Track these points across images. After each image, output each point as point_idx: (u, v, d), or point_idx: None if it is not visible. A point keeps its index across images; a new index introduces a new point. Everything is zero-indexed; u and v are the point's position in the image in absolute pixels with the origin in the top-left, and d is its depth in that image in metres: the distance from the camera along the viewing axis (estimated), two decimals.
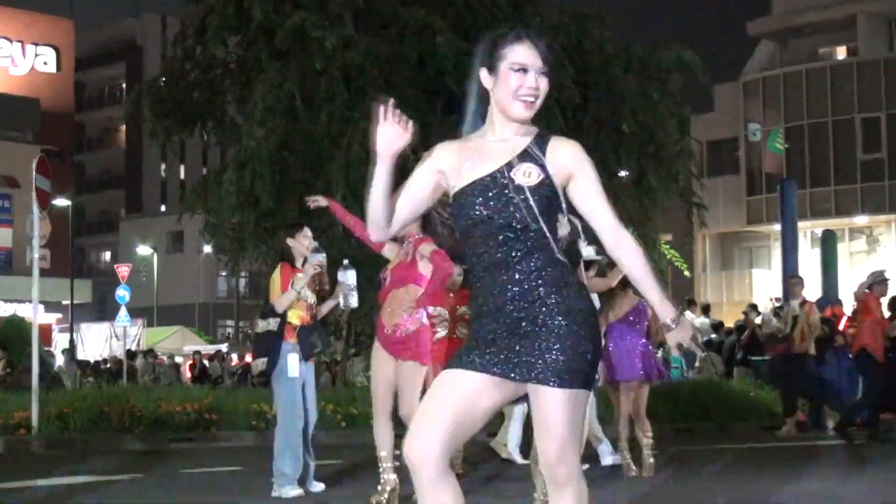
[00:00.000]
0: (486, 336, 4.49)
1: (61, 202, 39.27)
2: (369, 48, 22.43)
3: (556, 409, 4.41)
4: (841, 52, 51.63)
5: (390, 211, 4.62)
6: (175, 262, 71.09)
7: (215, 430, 17.15)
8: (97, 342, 45.92)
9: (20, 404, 18.59)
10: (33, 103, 54.19)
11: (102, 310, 65.97)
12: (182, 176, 75.29)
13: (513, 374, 4.43)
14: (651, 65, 24.68)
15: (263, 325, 10.41)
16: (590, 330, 4.50)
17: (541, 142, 4.57)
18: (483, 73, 4.65)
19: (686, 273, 31.81)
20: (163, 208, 79.19)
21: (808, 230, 46.26)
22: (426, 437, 4.39)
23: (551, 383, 4.39)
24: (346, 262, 10.31)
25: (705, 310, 28.72)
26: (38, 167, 18.01)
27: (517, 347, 4.43)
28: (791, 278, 20.70)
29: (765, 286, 47.72)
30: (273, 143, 22.42)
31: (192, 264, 68.26)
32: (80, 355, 39.79)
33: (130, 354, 38.02)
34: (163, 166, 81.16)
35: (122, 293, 39.60)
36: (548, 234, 4.48)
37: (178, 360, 42.67)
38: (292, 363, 10.14)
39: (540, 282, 4.45)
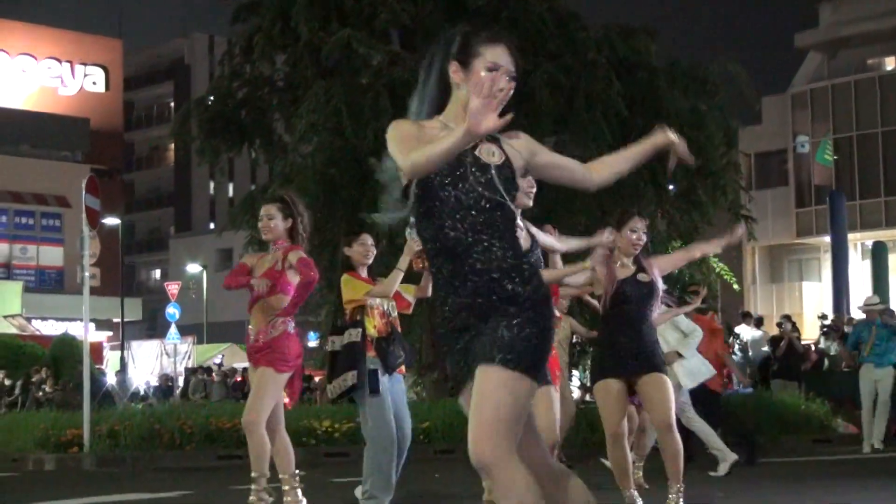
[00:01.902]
0: (461, 324, 4.55)
1: (111, 221, 39.54)
2: (414, 64, 22.49)
3: (493, 384, 4.39)
4: (890, 63, 51.23)
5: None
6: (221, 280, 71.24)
7: None
8: (148, 360, 46.12)
9: (72, 422, 18.72)
10: (83, 123, 54.61)
11: (153, 327, 66.27)
12: (231, 193, 75.57)
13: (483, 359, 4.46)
14: (698, 78, 24.62)
15: (342, 340, 9.53)
16: (538, 316, 4.50)
17: (497, 134, 4.66)
18: (453, 67, 4.71)
19: (735, 286, 31.63)
20: (211, 226, 79.44)
21: (858, 242, 45.96)
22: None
23: (496, 360, 4.39)
24: (412, 220, 9.37)
25: (758, 322, 28.51)
26: (88, 186, 18.14)
27: (473, 337, 4.51)
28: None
29: (815, 299, 47.42)
30: (320, 160, 22.51)
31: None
32: (131, 372, 39.99)
33: (190, 371, 38.14)
34: (211, 184, 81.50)
35: (172, 311, 39.80)
36: (514, 210, 4.60)
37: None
38: (377, 378, 9.43)
39: (497, 272, 4.48)
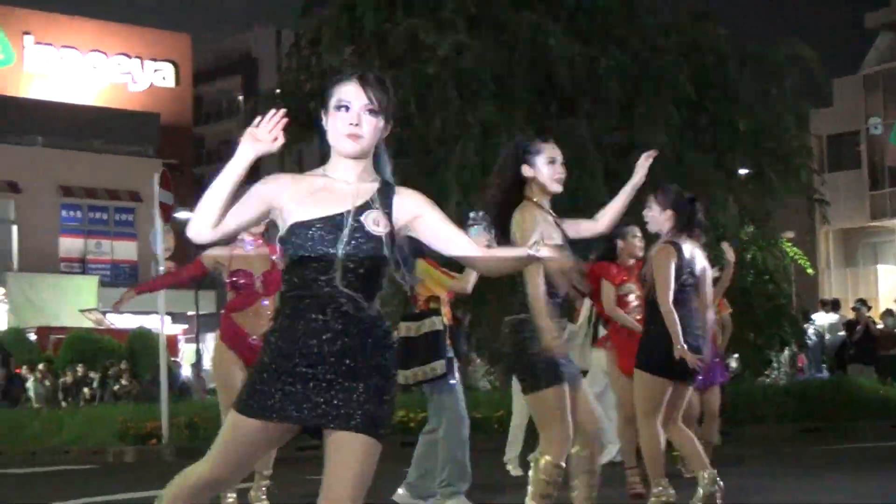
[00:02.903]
0: (300, 379, 4.39)
1: (183, 215, 39.82)
2: (482, 53, 22.48)
3: (361, 455, 4.40)
4: None
5: (223, 215, 4.51)
6: None
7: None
8: None
9: (150, 415, 18.95)
10: (153, 118, 55.04)
11: None
12: None
13: (332, 424, 4.37)
14: (767, 61, 24.42)
15: (421, 327, 9.51)
16: (394, 384, 4.51)
17: (387, 191, 4.60)
18: (323, 118, 4.66)
19: (809, 271, 31.43)
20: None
21: None
22: None
23: (367, 432, 4.37)
24: (472, 214, 9.44)
25: (834, 306, 28.32)
26: (161, 181, 18.35)
27: (333, 395, 4.37)
28: None
29: (890, 282, 46.94)
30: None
31: None
32: (206, 365, 40.27)
33: None
34: None
35: None
36: (395, 278, 4.54)
37: None
38: (454, 367, 9.50)
39: (371, 338, 4.42)
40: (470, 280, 9.33)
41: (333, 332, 4.36)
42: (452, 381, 9.50)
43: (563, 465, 6.69)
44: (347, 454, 4.37)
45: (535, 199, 6.80)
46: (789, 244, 27.38)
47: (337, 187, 4.49)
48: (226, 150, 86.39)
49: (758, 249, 24.24)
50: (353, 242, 4.37)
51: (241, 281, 9.00)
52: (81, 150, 50.77)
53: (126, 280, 50.21)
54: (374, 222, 4.43)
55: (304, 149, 30.70)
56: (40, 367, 29.75)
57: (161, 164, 40.10)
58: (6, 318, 41.41)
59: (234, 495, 8.97)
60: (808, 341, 26.66)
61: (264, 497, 9.05)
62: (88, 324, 38.81)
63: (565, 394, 6.64)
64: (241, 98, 73.93)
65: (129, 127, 53.40)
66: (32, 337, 35.38)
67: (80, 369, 30.09)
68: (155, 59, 58.24)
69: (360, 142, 4.51)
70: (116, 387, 29.28)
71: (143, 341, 32.04)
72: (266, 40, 79.15)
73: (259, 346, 8.44)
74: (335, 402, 4.35)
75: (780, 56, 24.48)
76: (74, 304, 41.97)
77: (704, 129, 23.51)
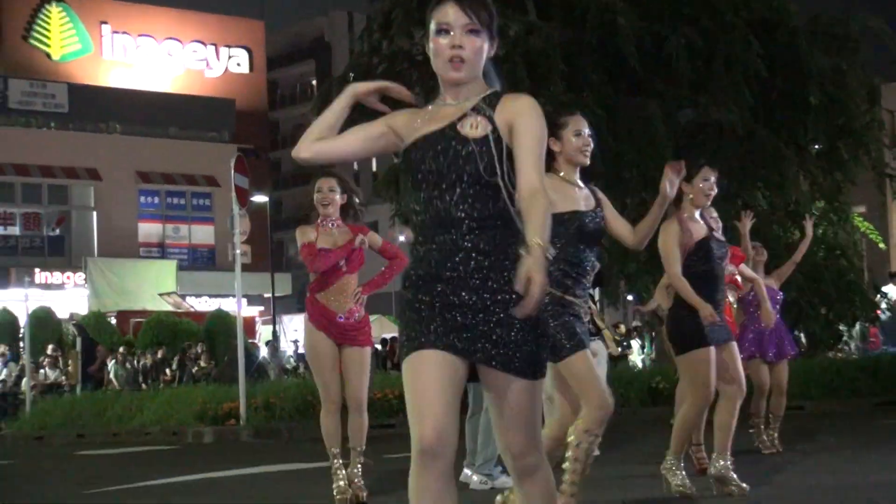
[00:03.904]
0: (436, 303, 4.11)
1: (259, 199, 40.02)
2: (551, 34, 22.39)
3: (522, 397, 4.13)
4: None
5: (323, 136, 4.51)
6: (370, 252, 71.92)
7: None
8: (298, 333, 46.73)
9: (228, 396, 19.08)
10: (229, 104, 55.28)
11: (302, 301, 66.95)
12: (374, 167, 76.02)
13: (478, 353, 4.08)
14: (838, 35, 24.13)
15: None
16: (542, 321, 4.18)
17: (492, 98, 4.27)
18: (427, 46, 4.33)
19: (881, 245, 31.06)
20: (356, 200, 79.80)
21: None
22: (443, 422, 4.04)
23: (519, 372, 4.09)
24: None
25: None
26: (237, 166, 18.42)
27: (489, 329, 4.07)
28: None
29: None
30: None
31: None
32: (283, 346, 40.50)
33: None
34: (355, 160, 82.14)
35: None
36: (502, 188, 4.11)
37: (378, 347, 43.12)
38: None
39: (508, 260, 4.06)
40: None
41: (464, 252, 4.09)
42: None
43: (598, 431, 6.58)
44: (510, 395, 4.11)
45: (560, 173, 6.67)
46: (861, 219, 27.10)
47: (443, 110, 4.27)
48: (299, 133, 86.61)
49: (829, 225, 24.03)
50: (450, 152, 4.12)
51: (342, 265, 8.95)
52: (159, 136, 51.13)
53: (204, 264, 50.57)
54: (472, 126, 4.15)
55: None
56: (121, 350, 30.01)
57: (237, 149, 40.22)
58: (87, 302, 41.82)
59: (343, 479, 8.90)
60: (882, 315, 26.35)
61: (360, 474, 9.00)
62: (167, 307, 39.29)
63: (591, 358, 6.58)
64: (314, 82, 74.26)
65: (204, 113, 53.69)
66: (113, 321, 35.68)
67: (159, 352, 30.34)
68: (229, 46, 58.48)
69: (463, 67, 4.22)
70: (195, 369, 29.48)
71: (220, 323, 32.23)
72: (339, 25, 79.42)
73: (346, 323, 8.70)
74: (494, 336, 4.06)
75: (852, 30, 24.19)
76: (154, 287, 42.48)
77: (775, 105, 23.27)
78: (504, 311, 4.04)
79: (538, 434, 4.22)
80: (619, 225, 6.86)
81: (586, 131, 6.73)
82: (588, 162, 6.76)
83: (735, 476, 8.11)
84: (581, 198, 6.68)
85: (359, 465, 8.99)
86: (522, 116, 4.17)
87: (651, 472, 8.62)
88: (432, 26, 4.22)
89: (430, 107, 4.36)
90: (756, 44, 22.26)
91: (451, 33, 4.18)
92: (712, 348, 7.95)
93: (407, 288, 4.23)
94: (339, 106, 4.50)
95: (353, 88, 4.52)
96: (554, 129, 6.51)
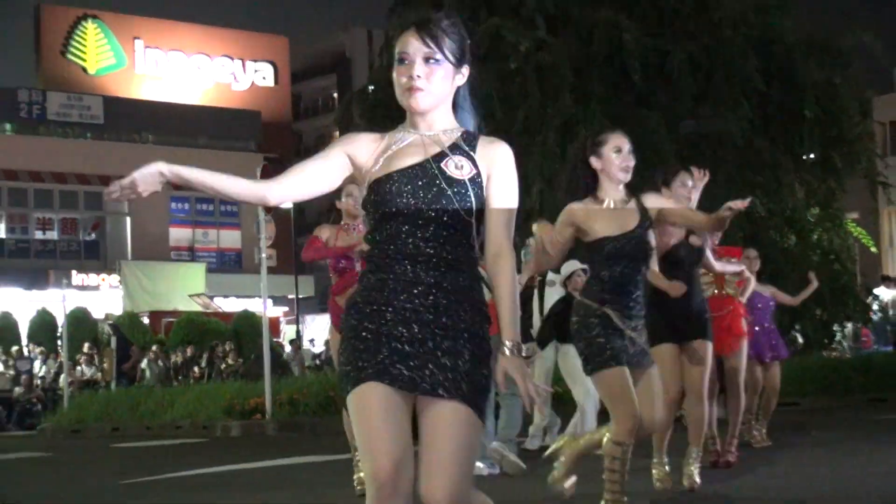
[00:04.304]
0: (382, 331, 3.77)
1: (284, 205, 40.10)
2: (560, 49, 22.41)
3: (462, 431, 3.71)
4: None
5: (255, 183, 4.11)
6: None
7: None
8: (321, 333, 46.76)
9: (254, 392, 19.12)
10: (255, 115, 55.34)
11: (325, 302, 66.97)
12: None
13: (424, 382, 3.72)
14: (832, 50, 24.12)
15: None
16: (487, 355, 3.83)
17: (470, 138, 3.95)
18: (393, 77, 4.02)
19: (873, 249, 30.97)
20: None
21: None
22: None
23: (466, 399, 3.72)
24: (529, 240, 10.42)
25: None
26: (262, 174, 18.48)
27: (422, 351, 3.74)
28: None
29: None
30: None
31: None
32: (306, 346, 40.50)
33: None
34: None
35: None
36: (473, 235, 3.84)
37: None
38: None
39: (467, 302, 3.80)
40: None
41: (425, 286, 3.78)
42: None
43: (628, 442, 6.35)
44: (453, 426, 3.72)
45: (601, 196, 6.42)
46: (853, 224, 27.06)
47: (412, 139, 3.92)
48: (322, 143, 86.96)
49: (823, 231, 24.01)
50: (433, 190, 3.78)
51: (343, 264, 8.79)
52: (189, 146, 51.17)
53: (231, 266, 50.66)
54: (456, 166, 3.83)
55: None
56: (154, 348, 30.07)
57: (262, 158, 40.30)
58: (122, 303, 41.91)
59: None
60: (873, 316, 26.32)
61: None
62: (197, 307, 39.36)
63: (624, 374, 6.29)
64: (335, 95, 74.23)
65: (232, 124, 53.78)
66: (146, 320, 35.76)
67: (189, 350, 30.38)
68: (255, 61, 58.53)
69: (421, 95, 3.88)
70: (223, 366, 29.51)
71: (247, 323, 32.28)
72: (359, 41, 79.36)
73: None
74: (441, 363, 3.74)
75: (845, 46, 24.17)
76: (184, 289, 42.54)
77: (772, 116, 23.29)
78: (454, 343, 3.74)
79: (467, 489, 3.73)
80: (686, 217, 6.93)
81: (627, 148, 6.44)
82: (626, 179, 6.49)
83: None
84: (622, 217, 6.42)
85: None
86: (502, 167, 3.91)
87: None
88: (395, 56, 3.97)
89: (394, 134, 4.00)
90: (754, 59, 22.30)
91: (408, 62, 3.91)
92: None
93: (351, 315, 3.89)
94: (206, 180, 4.00)
95: (163, 174, 3.91)
96: (594, 146, 6.43)
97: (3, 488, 11.43)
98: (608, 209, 6.40)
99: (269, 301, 19.20)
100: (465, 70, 4.03)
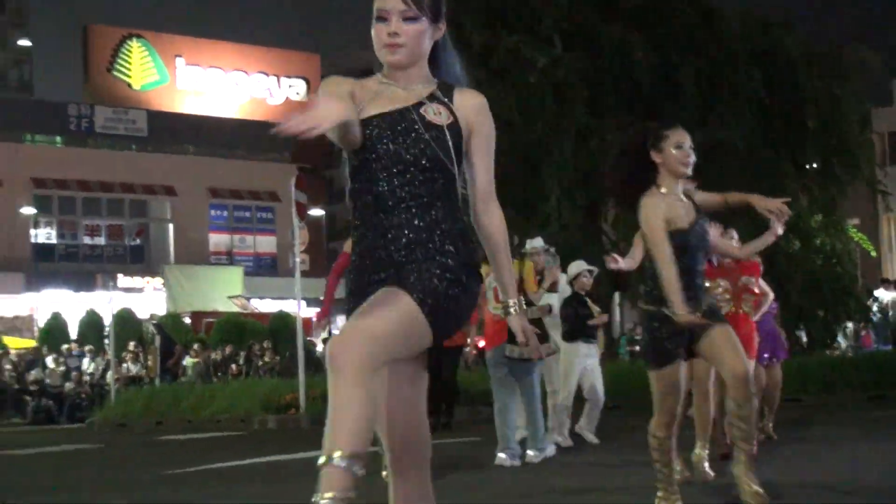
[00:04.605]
0: (378, 283, 3.58)
1: (316, 212, 40.07)
2: (575, 65, 22.41)
3: (392, 302, 3.44)
4: None
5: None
6: None
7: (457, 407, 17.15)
8: None
9: (289, 388, 19.17)
10: None
11: None
12: None
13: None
14: (833, 65, 24.08)
15: (531, 312, 10.01)
16: (472, 286, 3.60)
17: (446, 89, 3.79)
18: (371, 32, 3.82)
19: (872, 253, 30.88)
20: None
21: None
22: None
23: (412, 292, 3.47)
24: (551, 249, 10.52)
25: None
26: (297, 183, 18.52)
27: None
28: None
29: None
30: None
31: None
32: None
33: None
34: None
35: None
36: (456, 179, 3.66)
37: None
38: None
39: (438, 232, 3.59)
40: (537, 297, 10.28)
41: (396, 229, 3.58)
42: (541, 361, 10.33)
43: (662, 435, 6.26)
44: (380, 297, 3.47)
45: (662, 186, 6.21)
46: (854, 230, 27.00)
47: (392, 91, 3.74)
48: None
49: (826, 236, 23.96)
50: (412, 135, 3.61)
51: None
52: (227, 157, 51.36)
53: (267, 270, 50.77)
54: (435, 112, 3.67)
55: None
56: (195, 347, 30.16)
57: (296, 168, 40.45)
58: (165, 304, 42.05)
59: None
60: (873, 317, 26.26)
61: None
62: (235, 308, 39.47)
63: (678, 372, 6.19)
64: None
65: (267, 136, 53.39)
66: (187, 321, 35.87)
67: (228, 349, 30.46)
68: (289, 77, 58.64)
69: (399, 52, 3.72)
70: (260, 363, 29.59)
71: (282, 323, 32.36)
72: None
73: None
74: (411, 278, 3.51)
75: (845, 59, 24.14)
76: (223, 291, 42.66)
77: (776, 127, 23.25)
78: (419, 271, 3.51)
79: (371, 342, 3.34)
80: (708, 202, 6.62)
81: (687, 144, 6.28)
82: (689, 173, 6.33)
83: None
84: (684, 211, 6.27)
85: None
86: (481, 116, 3.78)
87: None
88: (374, 13, 3.76)
89: (372, 83, 3.82)
90: (758, 72, 22.31)
91: (388, 20, 3.72)
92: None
93: (351, 268, 3.74)
94: None
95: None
96: (656, 141, 6.27)
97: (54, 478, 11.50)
98: (674, 200, 6.21)
99: (303, 302, 19.23)
100: (442, 25, 3.86)
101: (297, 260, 18.62)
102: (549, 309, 10.94)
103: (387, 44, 3.72)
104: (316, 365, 26.52)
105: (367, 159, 3.62)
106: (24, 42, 53.13)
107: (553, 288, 11.33)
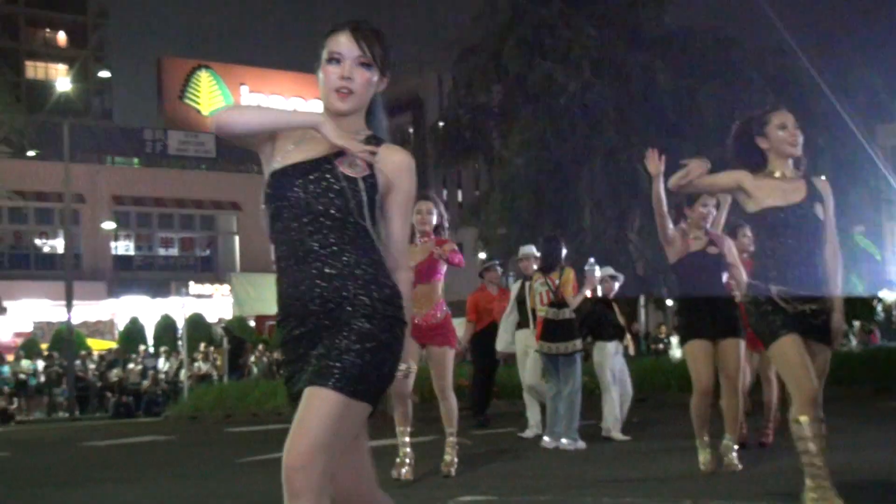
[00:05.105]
0: (296, 348, 3.30)
1: None
2: (603, 90, 22.39)
3: (326, 407, 3.11)
4: None
5: (250, 133, 3.57)
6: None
7: (495, 400, 17.04)
8: None
9: None
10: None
11: None
12: (459, 199, 76.23)
13: (311, 379, 3.19)
14: (839, 85, 23.96)
15: (564, 313, 10.44)
16: (394, 340, 3.26)
17: (374, 143, 3.41)
18: (317, 74, 3.50)
19: (878, 257, 30.62)
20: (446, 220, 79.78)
21: None
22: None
23: (339, 389, 3.12)
24: (591, 260, 10.55)
25: None
26: None
27: (315, 352, 3.22)
28: None
29: None
30: (530, 169, 22.60)
31: (470, 269, 68.77)
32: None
33: None
34: (444, 191, 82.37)
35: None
36: (370, 230, 3.31)
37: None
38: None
39: (350, 280, 3.24)
40: (575, 302, 10.39)
41: (310, 279, 3.26)
42: (579, 357, 10.47)
43: (807, 418, 5.25)
44: (314, 404, 3.14)
45: (774, 170, 5.66)
46: (861, 236, 26.80)
47: (319, 137, 3.37)
48: None
49: None
50: (322, 185, 3.30)
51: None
52: None
53: None
54: (350, 164, 3.33)
55: (463, 171, 30.74)
56: (259, 347, 30.28)
57: None
58: (231, 309, 42.28)
59: (407, 455, 8.24)
60: (877, 317, 26.08)
61: (453, 453, 8.45)
62: None
63: (795, 342, 5.36)
64: (411, 131, 74.52)
65: None
66: (252, 324, 36.04)
67: None
68: None
69: (349, 100, 3.40)
70: None
71: None
72: (430, 83, 79.54)
73: (425, 325, 8.19)
74: (318, 353, 3.21)
75: (852, 81, 24.02)
76: None
77: None
78: (335, 325, 3.22)
79: (323, 462, 3.09)
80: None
81: (791, 122, 5.76)
82: (798, 153, 5.73)
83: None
84: (788, 190, 5.62)
85: (453, 445, 8.44)
86: (403, 174, 3.41)
87: (685, 446, 8.55)
88: (324, 54, 3.43)
89: (304, 130, 3.45)
90: (771, 94, 22.19)
91: (342, 63, 3.40)
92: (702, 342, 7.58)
93: (279, 322, 3.40)
94: (291, 119, 3.46)
95: (322, 124, 3.36)
96: (759, 127, 5.77)
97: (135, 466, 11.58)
98: (776, 179, 5.66)
99: None
100: (387, 78, 3.52)
101: None
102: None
103: (338, 88, 3.40)
104: None
105: (279, 207, 3.34)
106: (105, 73, 53.61)
107: (593, 294, 11.36)
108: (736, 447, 7.86)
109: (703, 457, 7.74)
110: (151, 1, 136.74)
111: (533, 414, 12.41)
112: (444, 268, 8.38)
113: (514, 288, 12.57)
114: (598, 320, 11.70)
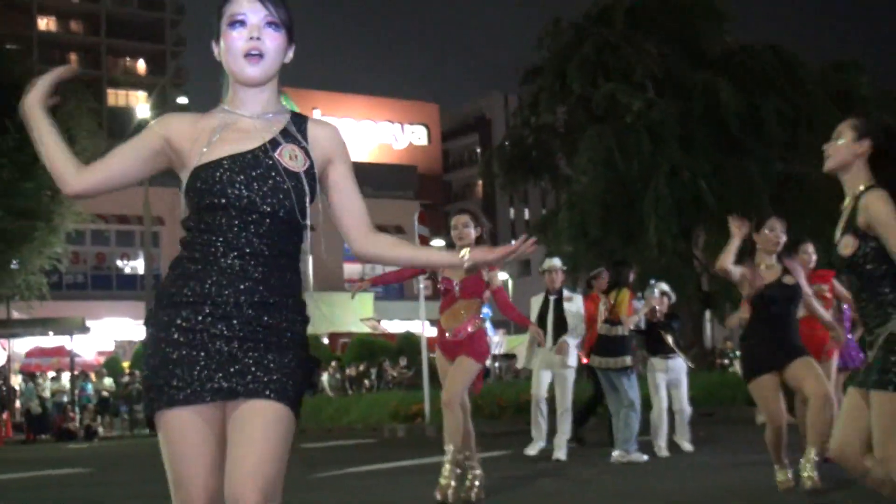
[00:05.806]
0: (198, 328, 2.92)
1: (437, 243, 40.47)
2: (667, 108, 22.27)
3: (277, 430, 2.94)
4: None
5: (77, 162, 3.00)
6: (525, 284, 71.63)
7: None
8: None
9: (416, 399, 19.20)
10: (412, 169, 55.96)
11: None
12: (526, 217, 76.03)
13: (249, 385, 2.91)
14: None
15: (617, 329, 10.65)
16: (306, 357, 3.07)
17: (299, 122, 3.11)
18: (214, 48, 3.05)
19: None
20: (512, 242, 79.41)
21: None
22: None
23: (291, 400, 2.96)
24: (652, 281, 10.62)
25: None
26: (419, 218, 18.62)
27: (243, 351, 2.92)
28: None
29: None
30: (596, 187, 22.51)
31: (538, 285, 68.53)
32: None
33: (501, 357, 38.35)
34: (511, 210, 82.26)
35: (486, 309, 40.02)
36: (305, 231, 3.10)
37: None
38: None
39: (291, 297, 3.03)
40: (630, 322, 10.54)
41: (252, 282, 2.94)
42: (633, 372, 10.65)
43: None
44: (271, 425, 2.93)
45: None
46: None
47: (242, 123, 3.04)
48: (469, 191, 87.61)
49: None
50: (269, 183, 2.95)
51: (443, 287, 8.04)
52: None
53: (394, 295, 51.16)
54: (291, 157, 3.01)
55: (530, 190, 30.78)
56: (332, 364, 30.45)
57: (419, 204, 40.77)
58: None
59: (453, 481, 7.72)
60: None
61: (451, 477, 7.82)
62: (367, 329, 39.77)
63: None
64: (478, 150, 74.61)
65: (393, 177, 54.46)
66: (325, 341, 36.25)
67: (362, 365, 30.70)
68: (412, 124, 59.29)
69: (262, 63, 2.97)
70: (389, 378, 29.76)
71: (409, 342, 32.53)
72: (496, 104, 79.64)
73: (454, 340, 7.85)
74: (265, 363, 2.94)
75: None
76: (356, 315, 43.02)
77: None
78: (279, 341, 2.97)
79: (279, 491, 2.97)
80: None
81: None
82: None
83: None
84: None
85: (451, 468, 7.83)
86: (338, 145, 3.18)
87: (753, 461, 8.44)
88: (223, 22, 2.98)
89: (212, 118, 3.07)
90: (835, 110, 21.90)
91: (248, 26, 2.96)
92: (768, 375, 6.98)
93: (161, 306, 2.99)
94: (42, 131, 3.00)
95: (27, 107, 3.00)
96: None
97: None
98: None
99: (427, 323, 19.30)
100: (293, 46, 3.10)
101: (422, 286, 18.69)
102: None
103: (247, 51, 2.95)
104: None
105: (214, 204, 2.94)
106: (183, 100, 54.35)
107: (651, 314, 11.18)
108: (816, 459, 7.15)
109: (782, 476, 7.29)
110: None
111: (538, 429, 12.07)
112: (487, 292, 8.04)
113: (536, 303, 12.33)
114: (651, 337, 11.58)
